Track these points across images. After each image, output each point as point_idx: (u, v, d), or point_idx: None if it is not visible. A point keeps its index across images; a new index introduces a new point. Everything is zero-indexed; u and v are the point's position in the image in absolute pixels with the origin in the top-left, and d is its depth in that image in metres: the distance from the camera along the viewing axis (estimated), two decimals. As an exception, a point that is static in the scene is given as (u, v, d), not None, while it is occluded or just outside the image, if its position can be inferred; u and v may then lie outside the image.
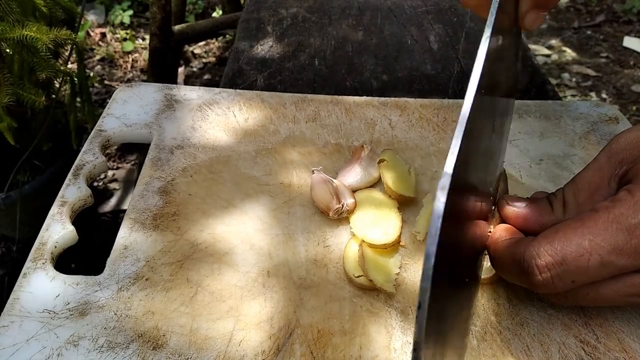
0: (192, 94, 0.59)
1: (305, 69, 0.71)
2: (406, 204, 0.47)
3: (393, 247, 0.43)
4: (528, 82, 0.70)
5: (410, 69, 0.71)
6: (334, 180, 0.48)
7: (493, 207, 0.41)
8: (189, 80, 1.96)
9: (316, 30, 0.79)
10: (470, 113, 0.28)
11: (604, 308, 0.40)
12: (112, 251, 0.43)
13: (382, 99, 0.59)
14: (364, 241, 0.43)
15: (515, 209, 0.39)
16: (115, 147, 1.65)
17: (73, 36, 0.89)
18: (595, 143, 0.55)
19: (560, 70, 2.11)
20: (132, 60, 2.03)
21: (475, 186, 0.34)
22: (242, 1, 1.63)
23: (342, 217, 0.46)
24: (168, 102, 0.58)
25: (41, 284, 0.40)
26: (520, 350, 0.38)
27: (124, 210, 1.09)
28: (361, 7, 0.85)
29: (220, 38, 2.14)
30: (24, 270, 0.41)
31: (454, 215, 0.28)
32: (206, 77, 2.00)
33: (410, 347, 0.38)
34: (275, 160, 0.52)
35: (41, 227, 0.44)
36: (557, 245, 0.33)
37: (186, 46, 2.02)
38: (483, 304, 0.41)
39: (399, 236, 0.44)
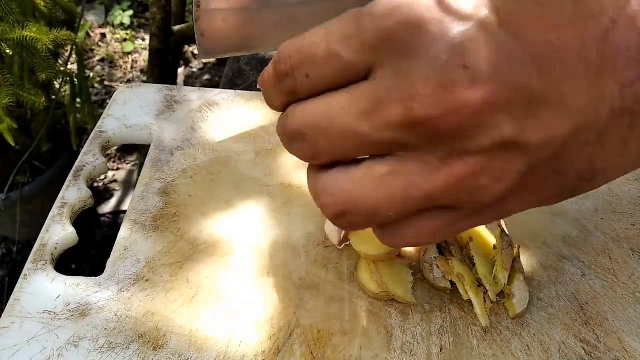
0: (192, 94, 0.59)
1: (305, 70, 0.70)
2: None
3: (402, 258, 0.43)
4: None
5: (409, 69, 0.71)
6: (334, 180, 0.48)
7: None
8: (189, 81, 1.96)
9: (316, 30, 0.79)
10: None
11: (603, 307, 0.40)
12: (112, 252, 0.43)
13: (382, 99, 0.59)
14: (369, 257, 0.41)
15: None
16: (115, 148, 1.65)
17: (73, 37, 0.89)
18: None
19: (560, 70, 2.11)
20: (132, 60, 2.04)
21: None
22: (241, 1, 1.62)
23: (342, 218, 0.46)
24: (168, 103, 0.58)
25: (42, 285, 0.40)
26: (520, 350, 0.38)
27: (124, 211, 1.09)
28: (361, 7, 0.85)
29: (220, 38, 2.14)
30: (24, 271, 0.41)
31: None
32: (206, 77, 2.00)
33: (410, 347, 0.38)
34: (275, 161, 0.52)
35: (41, 228, 0.44)
36: (297, 41, 0.31)
37: (186, 46, 2.02)
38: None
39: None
